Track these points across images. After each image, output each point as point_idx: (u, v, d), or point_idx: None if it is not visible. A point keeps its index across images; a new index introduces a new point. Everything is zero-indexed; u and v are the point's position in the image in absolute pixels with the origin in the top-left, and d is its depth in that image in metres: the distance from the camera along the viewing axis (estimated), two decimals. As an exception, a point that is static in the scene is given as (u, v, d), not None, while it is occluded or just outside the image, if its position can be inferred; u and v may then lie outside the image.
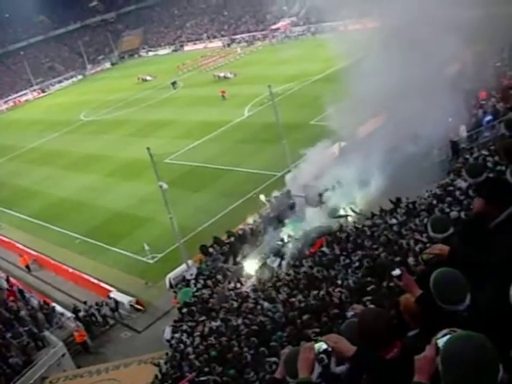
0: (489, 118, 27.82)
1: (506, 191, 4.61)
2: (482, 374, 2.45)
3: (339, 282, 17.00)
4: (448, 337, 2.94)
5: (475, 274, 3.93)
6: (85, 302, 27.61)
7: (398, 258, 14.98)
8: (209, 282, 25.39)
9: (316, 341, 3.82)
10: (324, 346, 3.72)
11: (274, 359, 13.30)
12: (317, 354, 3.68)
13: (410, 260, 13.52)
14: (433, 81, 26.13)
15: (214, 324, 19.22)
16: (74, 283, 30.66)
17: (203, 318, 21.46)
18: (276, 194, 31.22)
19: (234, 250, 28.37)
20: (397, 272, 4.59)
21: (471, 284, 3.82)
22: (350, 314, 5.48)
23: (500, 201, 4.51)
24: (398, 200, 23.08)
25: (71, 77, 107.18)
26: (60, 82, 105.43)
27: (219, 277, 25.76)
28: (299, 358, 3.70)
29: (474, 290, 3.79)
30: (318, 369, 3.76)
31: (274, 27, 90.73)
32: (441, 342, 3.05)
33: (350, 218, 26.29)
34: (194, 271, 27.55)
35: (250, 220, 30.38)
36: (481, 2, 23.16)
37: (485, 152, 21.44)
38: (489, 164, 17.60)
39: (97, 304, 27.44)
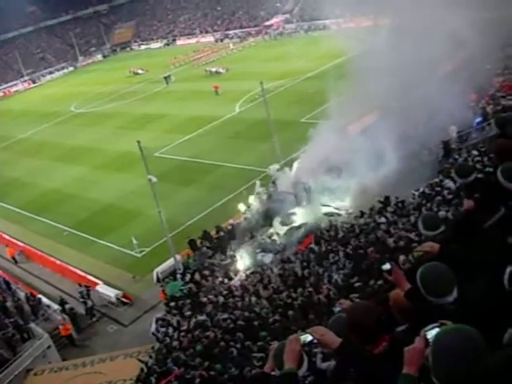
0: (478, 119, 27.98)
1: (495, 192, 4.65)
2: (472, 366, 2.48)
3: (327, 279, 17.06)
4: (438, 329, 2.98)
5: (464, 270, 3.97)
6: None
7: (386, 256, 15.03)
8: (196, 277, 25.36)
9: (302, 333, 3.85)
10: (309, 337, 3.75)
11: (260, 355, 13.33)
12: (302, 346, 3.71)
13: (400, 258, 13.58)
14: (425, 81, 26.27)
15: (201, 318, 19.22)
16: (61, 275, 30.53)
17: (189, 312, 21.48)
18: (259, 189, 31.23)
19: (223, 245, 28.37)
20: (387, 266, 4.62)
21: (460, 279, 3.85)
22: (337, 309, 5.50)
23: (489, 201, 4.54)
24: (387, 199, 23.18)
25: (62, 68, 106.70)
26: (51, 73, 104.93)
27: (206, 272, 25.76)
28: (285, 349, 3.73)
29: (463, 284, 3.82)
30: (306, 362, 3.79)
31: (267, 24, 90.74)
32: (430, 334, 3.09)
33: (338, 216, 26.34)
34: (181, 266, 27.52)
35: (239, 215, 30.39)
36: (475, 5, 23.26)
37: (474, 153, 21.57)
38: (478, 165, 17.70)
39: (82, 297, 27.34)
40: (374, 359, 3.64)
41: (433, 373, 2.61)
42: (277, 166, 32.20)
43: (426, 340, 3.11)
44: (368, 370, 3.58)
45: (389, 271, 4.58)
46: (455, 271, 3.88)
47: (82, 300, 27.20)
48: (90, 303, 27.00)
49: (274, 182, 31.49)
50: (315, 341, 3.74)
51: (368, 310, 3.93)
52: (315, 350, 4.11)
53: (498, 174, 4.86)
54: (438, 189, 20.04)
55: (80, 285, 28.15)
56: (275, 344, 4.19)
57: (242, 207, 30.43)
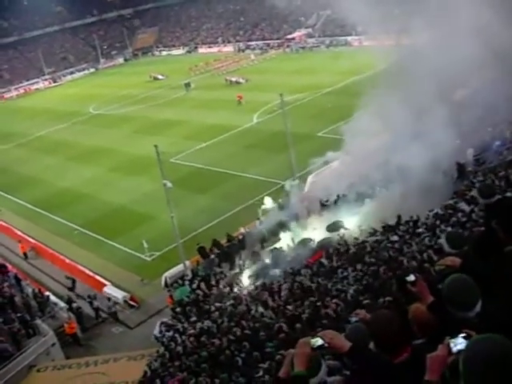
0: (497, 143, 27.87)
1: None
2: (504, 373, 2.49)
3: (335, 293, 17.00)
4: (461, 338, 3.00)
5: (486, 286, 3.96)
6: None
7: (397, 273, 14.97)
8: (204, 284, 25.37)
9: (312, 336, 3.87)
10: (320, 341, 3.76)
11: (265, 365, 13.30)
12: (313, 349, 3.73)
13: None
14: (445, 102, 26.26)
15: (206, 325, 19.20)
16: (70, 274, 30.62)
17: (195, 318, 21.49)
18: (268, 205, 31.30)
19: (232, 255, 28.40)
20: (411, 278, 4.62)
21: (482, 293, 3.85)
22: (353, 319, 5.49)
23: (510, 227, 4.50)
24: (399, 218, 23.11)
25: (83, 69, 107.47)
26: (72, 73, 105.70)
27: (214, 280, 25.76)
28: (295, 352, 3.75)
29: (485, 300, 3.81)
30: (324, 369, 3.80)
31: (289, 37, 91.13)
32: (453, 342, 3.09)
33: (348, 232, 26.24)
34: (189, 272, 27.56)
35: (250, 225, 30.44)
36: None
37: (491, 176, 21.46)
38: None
39: (89, 296, 27.46)
40: (394, 368, 3.64)
41: (463, 380, 2.62)
42: (293, 182, 32.21)
43: (449, 348, 3.12)
44: (388, 378, 3.58)
45: (413, 283, 4.58)
46: (480, 282, 3.88)
47: (88, 300, 27.30)
48: (96, 304, 27.13)
49: (287, 195, 31.52)
50: (326, 344, 3.76)
51: (391, 319, 3.92)
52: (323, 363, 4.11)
53: None
54: (452, 211, 19.94)
55: (67, 277, 28.61)
56: (289, 351, 4.20)
57: (262, 210, 30.49)
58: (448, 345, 3.15)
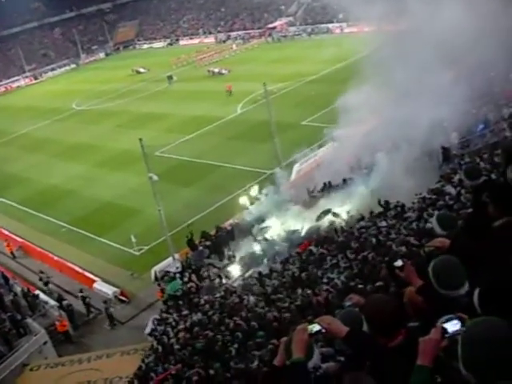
0: (481, 126, 28.07)
1: (507, 192, 4.68)
2: (503, 354, 2.53)
3: (326, 281, 17.07)
4: (455, 321, 3.03)
5: (475, 265, 3.99)
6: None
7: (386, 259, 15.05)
8: (194, 276, 25.38)
9: (309, 322, 3.88)
10: (317, 327, 3.79)
11: (258, 353, 13.36)
12: (310, 335, 3.74)
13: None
14: (430, 86, 26.36)
15: (199, 317, 19.23)
16: (59, 271, 30.53)
17: (187, 311, 21.50)
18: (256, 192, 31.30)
19: (221, 246, 28.41)
20: (399, 263, 4.65)
21: (470, 274, 3.88)
22: (347, 303, 5.51)
23: (502, 201, 4.57)
24: (387, 203, 23.22)
25: (64, 65, 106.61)
26: (53, 69, 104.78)
27: (204, 271, 25.80)
28: (293, 339, 3.76)
29: (473, 278, 3.85)
30: (317, 354, 3.82)
31: (270, 26, 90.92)
32: (446, 325, 3.12)
33: (336, 220, 26.32)
34: (178, 265, 27.54)
35: (239, 216, 30.44)
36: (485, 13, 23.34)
37: (476, 159, 21.60)
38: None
39: (81, 291, 27.39)
40: (389, 352, 3.67)
41: (462, 362, 2.65)
42: (281, 172, 32.24)
43: (442, 331, 3.15)
44: (383, 362, 3.60)
45: (400, 268, 4.61)
46: (465, 265, 3.91)
47: (80, 294, 27.24)
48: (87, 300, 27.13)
49: (274, 185, 31.53)
50: (323, 330, 3.78)
51: (386, 302, 3.94)
52: (316, 349, 4.13)
53: (509, 173, 4.89)
54: (440, 194, 20.06)
55: (41, 272, 29.23)
56: (282, 339, 4.22)
57: (244, 201, 30.50)
58: (441, 328, 3.17)
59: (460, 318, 3.13)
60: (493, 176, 13.08)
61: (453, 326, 3.12)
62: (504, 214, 4.47)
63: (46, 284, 28.75)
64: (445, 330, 3.14)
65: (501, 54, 23.09)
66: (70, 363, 22.51)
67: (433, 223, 5.95)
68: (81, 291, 27.33)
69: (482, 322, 2.71)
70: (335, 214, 26.53)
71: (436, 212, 15.82)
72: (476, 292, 3.11)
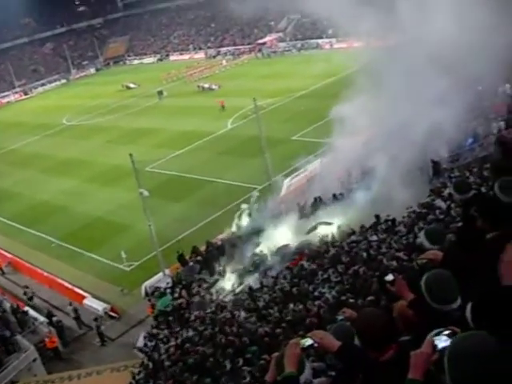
0: (470, 140, 28.28)
1: (495, 206, 4.72)
2: (489, 369, 2.52)
3: (317, 295, 17.06)
4: (446, 335, 3.04)
5: (468, 278, 4.02)
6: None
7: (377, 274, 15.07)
8: (185, 292, 25.28)
9: (302, 337, 3.89)
10: (309, 341, 3.79)
11: (249, 368, 13.31)
12: (303, 350, 3.75)
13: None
14: (418, 101, 26.56)
15: (190, 333, 19.15)
16: (49, 287, 30.33)
17: (178, 327, 21.40)
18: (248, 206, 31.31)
19: (212, 261, 28.33)
20: (390, 277, 4.67)
21: (462, 288, 3.90)
22: (339, 317, 5.52)
23: (490, 215, 4.61)
24: (377, 217, 23.29)
25: (55, 80, 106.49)
26: (43, 84, 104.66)
27: (195, 287, 25.70)
28: (286, 354, 3.76)
29: (464, 291, 3.87)
30: (308, 368, 3.82)
31: (260, 41, 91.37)
32: (437, 339, 3.13)
33: (329, 233, 26.34)
34: (169, 281, 27.44)
35: (229, 231, 30.42)
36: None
37: (466, 173, 21.75)
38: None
39: (70, 304, 27.27)
40: (380, 366, 3.67)
41: (448, 376, 2.65)
42: (257, 194, 32.23)
43: (433, 345, 3.15)
44: (374, 376, 3.60)
45: (392, 282, 4.63)
46: (458, 278, 3.93)
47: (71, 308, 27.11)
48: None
49: (265, 200, 31.60)
50: (315, 344, 3.78)
51: (377, 316, 3.95)
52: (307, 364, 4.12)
53: (496, 188, 4.94)
54: (430, 208, 20.15)
55: (26, 286, 29.09)
56: (274, 355, 4.21)
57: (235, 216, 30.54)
58: (432, 342, 3.18)
59: (452, 332, 3.14)
60: (482, 190, 13.15)
61: (444, 339, 3.13)
62: (493, 228, 4.51)
63: (31, 299, 28.60)
64: (436, 344, 3.15)
65: (490, 68, 23.31)
66: (60, 380, 22.31)
67: (421, 238, 5.98)
68: (70, 304, 27.21)
69: (468, 337, 2.72)
70: (327, 223, 26.60)
71: (426, 226, 15.92)
72: (468, 306, 3.10)
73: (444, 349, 3.06)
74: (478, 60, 23.55)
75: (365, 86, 27.68)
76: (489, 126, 28.67)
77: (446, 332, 3.15)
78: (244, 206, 31.34)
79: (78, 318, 26.95)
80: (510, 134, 22.68)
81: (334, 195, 29.43)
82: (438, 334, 3.17)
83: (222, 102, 57.52)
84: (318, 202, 29.62)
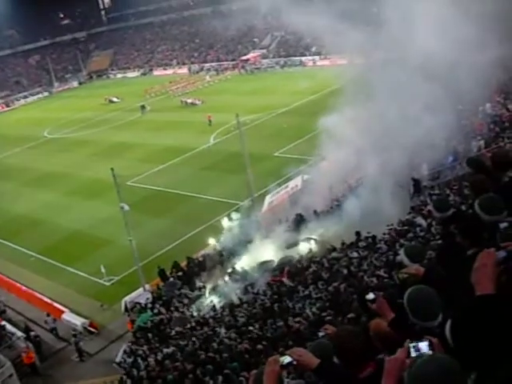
0: (450, 158, 28.60)
1: (475, 224, 4.79)
2: None
3: (297, 312, 17.07)
4: (423, 343, 3.07)
5: (449, 294, 4.05)
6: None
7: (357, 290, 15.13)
8: (164, 308, 25.13)
9: (281, 354, 3.90)
10: (288, 359, 3.80)
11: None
12: (281, 367, 3.76)
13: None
14: (399, 118, 26.82)
15: (169, 349, 19.02)
16: (27, 302, 29.96)
17: (158, 343, 21.26)
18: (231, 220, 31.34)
19: (193, 276, 28.25)
20: (371, 296, 4.70)
21: (444, 303, 3.93)
22: (321, 334, 5.54)
23: (468, 233, 4.67)
24: (358, 234, 23.42)
25: (37, 93, 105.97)
26: (25, 97, 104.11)
27: (176, 302, 25.57)
28: (265, 371, 3.77)
29: (446, 309, 3.90)
30: None
31: (243, 58, 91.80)
32: (413, 346, 3.14)
33: (310, 250, 26.40)
34: (149, 296, 27.26)
35: (210, 247, 30.38)
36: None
37: (446, 191, 21.97)
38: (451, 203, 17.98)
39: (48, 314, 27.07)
40: (359, 382, 3.69)
41: None
42: (237, 215, 32.26)
43: (408, 351, 3.17)
44: None
45: (373, 301, 4.65)
46: (439, 294, 3.96)
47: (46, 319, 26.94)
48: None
49: (246, 216, 31.64)
50: (294, 362, 3.79)
51: (354, 334, 3.98)
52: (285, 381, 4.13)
53: (476, 206, 5.01)
54: (411, 225, 20.30)
55: None
56: (252, 372, 4.21)
57: (212, 240, 30.48)
58: (407, 348, 3.20)
59: (429, 341, 3.16)
60: (462, 208, 13.28)
61: (420, 346, 3.14)
62: (472, 246, 4.56)
63: (3, 312, 28.24)
64: (411, 350, 3.16)
65: (471, 87, 23.64)
66: (36, 397, 21.98)
67: (401, 255, 6.04)
68: (48, 315, 27.19)
69: (428, 361, 2.75)
70: (310, 239, 26.69)
71: (406, 243, 16.03)
72: (448, 324, 3.08)
73: (419, 355, 3.08)
74: (460, 79, 23.89)
75: (347, 104, 27.97)
76: (469, 145, 29.02)
77: (424, 340, 3.17)
78: (226, 221, 31.34)
79: (54, 330, 26.76)
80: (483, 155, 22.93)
81: (315, 211, 29.54)
82: (416, 341, 3.19)
83: (209, 116, 56.91)
84: (298, 219, 29.67)
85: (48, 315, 27.34)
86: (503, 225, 4.33)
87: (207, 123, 56.37)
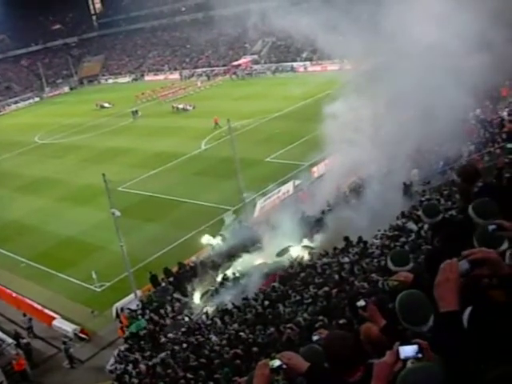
0: (441, 163, 28.74)
1: (463, 230, 4.81)
2: None
3: (288, 317, 17.06)
4: (413, 346, 3.08)
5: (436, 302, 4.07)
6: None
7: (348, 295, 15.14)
8: (155, 315, 25.04)
9: (270, 358, 3.90)
10: (278, 362, 3.80)
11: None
12: (271, 371, 3.76)
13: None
14: (392, 123, 26.96)
15: (161, 355, 18.98)
16: (17, 308, 29.79)
17: (150, 350, 21.20)
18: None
19: (184, 282, 28.19)
20: (361, 303, 4.71)
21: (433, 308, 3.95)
22: (315, 337, 5.55)
23: (457, 240, 4.69)
24: (346, 239, 23.46)
25: (28, 98, 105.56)
26: (16, 102, 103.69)
27: (167, 308, 25.50)
28: (255, 374, 3.77)
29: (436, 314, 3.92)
30: None
31: (235, 63, 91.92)
32: (402, 349, 3.15)
33: (301, 255, 26.43)
34: (138, 303, 27.14)
35: (202, 252, 30.36)
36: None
37: (436, 196, 22.03)
38: (441, 208, 18.04)
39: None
40: None
41: None
42: (232, 215, 32.31)
43: (397, 355, 3.17)
44: None
45: (363, 307, 4.67)
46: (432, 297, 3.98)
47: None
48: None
49: (238, 222, 31.68)
50: (284, 366, 3.80)
51: (344, 339, 3.99)
52: None
53: (470, 210, 5.03)
54: (401, 230, 20.35)
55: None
56: (242, 379, 4.22)
57: (205, 240, 30.43)
58: (396, 351, 3.20)
59: (418, 345, 3.16)
60: (452, 213, 13.34)
61: (409, 350, 3.14)
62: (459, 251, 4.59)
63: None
64: (400, 353, 3.16)
65: (462, 92, 23.77)
66: (27, 404, 21.84)
67: (387, 261, 6.09)
68: (24, 315, 27.42)
69: (415, 370, 2.78)
70: (308, 247, 26.74)
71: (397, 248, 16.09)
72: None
73: (408, 358, 3.09)
74: (450, 84, 24.02)
75: (338, 109, 28.10)
76: (459, 150, 29.16)
77: (413, 344, 3.17)
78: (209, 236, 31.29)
79: (30, 328, 26.93)
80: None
81: (308, 217, 29.58)
82: (405, 344, 3.20)
83: (216, 119, 54.83)
84: (290, 224, 29.65)
85: (24, 315, 27.49)
86: (491, 227, 4.33)
87: (215, 126, 54.88)
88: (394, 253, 6.40)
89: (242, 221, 31.99)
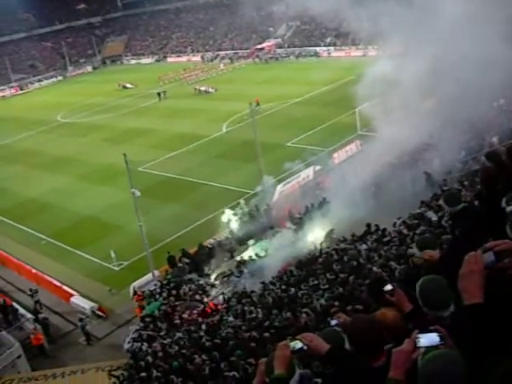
0: (463, 153, 28.39)
1: (483, 220, 4.72)
2: None
3: (305, 302, 17.04)
4: (432, 334, 3.04)
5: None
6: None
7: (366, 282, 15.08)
8: (173, 295, 25.15)
9: (291, 339, 3.87)
10: (299, 344, 3.78)
11: (233, 373, 13.26)
12: (292, 352, 3.73)
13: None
14: (415, 112, 26.69)
15: (177, 335, 19.08)
16: (37, 284, 30.12)
17: (165, 329, 21.33)
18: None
19: (201, 263, 28.29)
20: (388, 287, 4.65)
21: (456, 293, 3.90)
22: (333, 322, 5.51)
23: (479, 230, 4.60)
24: (368, 226, 23.34)
25: (51, 77, 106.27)
26: (40, 80, 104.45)
27: (184, 289, 25.61)
28: (275, 355, 3.74)
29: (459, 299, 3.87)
30: (298, 374, 3.80)
31: (258, 47, 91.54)
32: (421, 337, 3.10)
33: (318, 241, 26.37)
34: (157, 283, 27.29)
35: (221, 234, 30.41)
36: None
37: (457, 186, 21.82)
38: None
39: (30, 290, 27.69)
40: (373, 372, 3.65)
41: None
42: (271, 181, 32.26)
43: (415, 343, 3.13)
44: (367, 381, 3.58)
45: (390, 292, 4.62)
46: (452, 284, 3.93)
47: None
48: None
49: (256, 206, 31.64)
50: (305, 347, 3.76)
51: (371, 323, 3.95)
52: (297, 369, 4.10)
53: (503, 201, 4.90)
54: (421, 219, 20.19)
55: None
56: (261, 360, 4.18)
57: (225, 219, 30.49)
58: (414, 339, 3.16)
59: (437, 331, 3.11)
60: (475, 203, 13.18)
61: (429, 338, 3.10)
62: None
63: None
64: (418, 341, 3.12)
65: (487, 82, 23.39)
66: (44, 378, 22.12)
67: (413, 248, 6.02)
68: (30, 290, 27.76)
69: (439, 356, 2.74)
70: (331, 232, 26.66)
71: (417, 237, 15.94)
72: None
73: (428, 346, 3.05)
74: (475, 73, 23.64)
75: (361, 95, 27.85)
76: (482, 140, 28.79)
77: (432, 331, 3.13)
78: (234, 209, 31.31)
79: (37, 302, 27.31)
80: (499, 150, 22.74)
81: (327, 203, 29.42)
82: (424, 332, 3.15)
83: (257, 99, 51.87)
84: (309, 210, 29.59)
85: (30, 290, 27.86)
86: (510, 208, 4.22)
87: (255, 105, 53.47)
88: (421, 239, 6.33)
89: (261, 205, 31.85)
